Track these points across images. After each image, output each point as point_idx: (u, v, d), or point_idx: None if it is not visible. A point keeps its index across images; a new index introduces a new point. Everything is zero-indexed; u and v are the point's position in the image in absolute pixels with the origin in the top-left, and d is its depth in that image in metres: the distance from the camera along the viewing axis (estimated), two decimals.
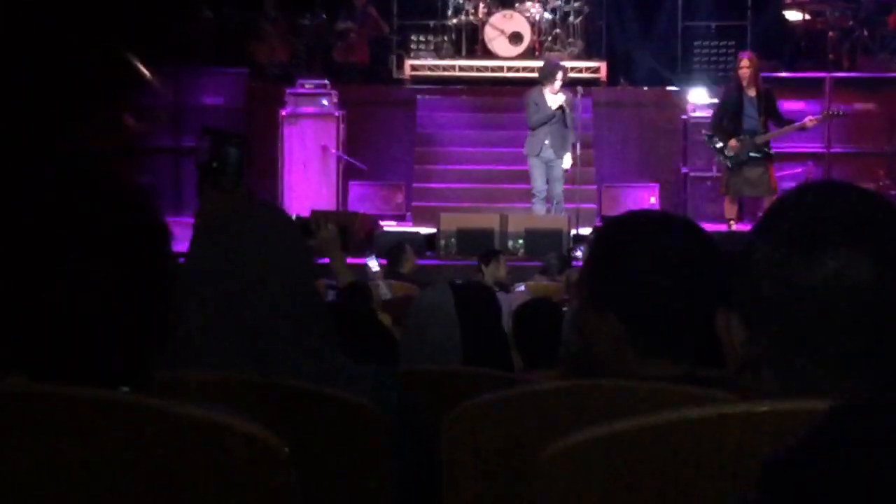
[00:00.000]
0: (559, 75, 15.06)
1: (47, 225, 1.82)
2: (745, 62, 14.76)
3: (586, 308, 2.51)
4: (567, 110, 14.91)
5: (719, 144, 14.67)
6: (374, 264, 10.54)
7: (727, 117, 14.70)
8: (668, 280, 2.40)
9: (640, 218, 2.55)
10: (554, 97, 14.95)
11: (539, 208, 15.03)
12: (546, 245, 13.52)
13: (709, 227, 14.88)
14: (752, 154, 14.52)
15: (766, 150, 14.65)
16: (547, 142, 14.93)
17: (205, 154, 3.41)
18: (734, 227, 14.59)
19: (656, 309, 2.41)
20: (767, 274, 1.71)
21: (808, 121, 14.80)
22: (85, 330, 1.83)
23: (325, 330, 2.70)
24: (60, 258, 1.81)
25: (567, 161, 14.96)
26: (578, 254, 12.99)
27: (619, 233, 2.52)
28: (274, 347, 2.59)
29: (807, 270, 1.67)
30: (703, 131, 15.50)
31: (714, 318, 2.41)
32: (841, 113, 15.29)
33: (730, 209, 14.93)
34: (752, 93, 14.65)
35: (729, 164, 14.69)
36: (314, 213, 4.67)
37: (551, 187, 15.07)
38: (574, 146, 15.06)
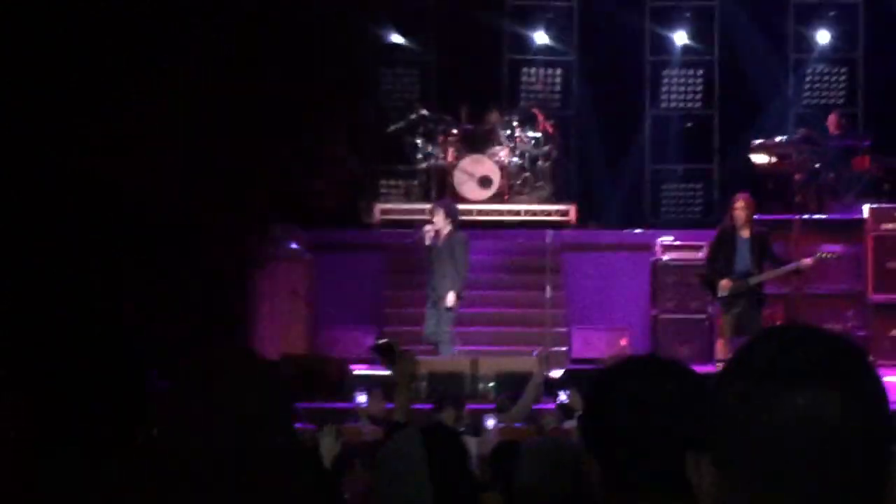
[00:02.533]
0: (435, 213, 15.23)
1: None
2: (739, 203, 14.82)
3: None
4: (439, 250, 14.95)
5: (710, 285, 14.76)
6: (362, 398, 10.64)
7: (720, 257, 14.78)
8: (640, 425, 2.41)
9: (626, 365, 2.58)
10: (434, 236, 15.09)
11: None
12: (518, 389, 13.46)
13: None
14: (744, 295, 14.56)
15: (759, 291, 14.71)
16: (434, 282, 14.97)
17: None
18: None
19: (631, 453, 2.42)
20: (736, 413, 1.71)
21: (803, 263, 14.89)
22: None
23: (300, 474, 2.67)
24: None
25: (449, 299, 14.94)
26: (563, 397, 12.93)
27: (601, 380, 2.55)
28: (246, 493, 2.56)
29: (775, 409, 1.69)
30: (696, 273, 15.58)
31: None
32: (834, 255, 15.43)
33: (721, 350, 14.91)
34: (745, 234, 14.72)
35: (718, 301, 14.75)
36: (378, 346, 4.63)
37: (437, 328, 15.05)
38: (458, 287, 15.05)
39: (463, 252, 15.10)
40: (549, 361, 14.78)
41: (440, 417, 11.56)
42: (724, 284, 14.57)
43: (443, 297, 14.90)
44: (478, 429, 10.86)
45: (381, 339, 4.98)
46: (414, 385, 4.70)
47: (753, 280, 14.57)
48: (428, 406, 11.96)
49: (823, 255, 15.29)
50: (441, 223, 15.10)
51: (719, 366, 14.49)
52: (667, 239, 17.47)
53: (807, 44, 20.80)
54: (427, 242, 15.07)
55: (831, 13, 20.67)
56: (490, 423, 10.92)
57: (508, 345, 16.09)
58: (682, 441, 2.41)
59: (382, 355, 4.73)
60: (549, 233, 15.91)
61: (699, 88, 20.99)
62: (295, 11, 14.00)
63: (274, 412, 2.65)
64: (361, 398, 11.14)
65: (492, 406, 12.75)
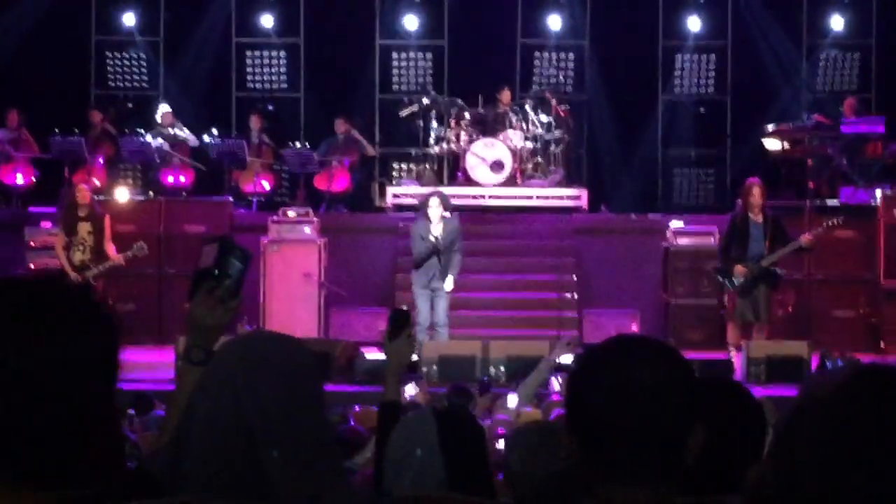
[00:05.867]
0: (432, 202, 15.23)
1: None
2: (756, 190, 14.76)
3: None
4: (443, 239, 15.00)
5: (725, 275, 14.72)
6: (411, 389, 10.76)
7: (734, 243, 14.76)
8: (620, 410, 2.38)
9: (610, 345, 2.53)
10: (435, 226, 15.10)
11: (421, 338, 14.91)
12: (528, 372, 13.45)
13: (691, 354, 14.93)
14: (758, 279, 14.54)
15: (773, 273, 14.67)
16: (435, 273, 15.01)
17: (208, 260, 3.33)
18: (734, 354, 14.42)
19: (609, 437, 2.40)
20: (815, 469, 1.77)
21: (804, 239, 14.76)
22: (28, 429, 1.84)
23: (333, 459, 2.67)
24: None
25: (449, 283, 15.04)
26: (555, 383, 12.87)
27: (584, 360, 2.52)
28: (281, 477, 2.57)
29: (859, 482, 1.74)
30: (712, 265, 15.49)
31: (687, 442, 2.40)
32: (839, 223, 15.30)
33: (732, 334, 14.84)
34: (758, 219, 14.70)
35: (735, 289, 14.68)
36: (398, 311, 4.66)
37: (436, 313, 15.12)
38: (454, 275, 15.15)
39: (460, 238, 15.17)
40: (571, 346, 14.73)
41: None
42: (739, 270, 14.55)
43: (443, 282, 14.97)
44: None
45: (400, 309, 4.89)
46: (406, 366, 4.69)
47: (764, 262, 14.55)
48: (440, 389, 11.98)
49: (828, 224, 15.13)
50: (437, 212, 15.11)
51: (732, 351, 14.51)
52: (679, 224, 17.45)
53: (820, 29, 20.77)
54: (439, 233, 15.09)
55: None
56: (511, 401, 10.82)
57: (520, 329, 16.10)
58: (664, 427, 2.41)
59: (394, 321, 4.68)
60: (562, 217, 15.86)
61: (712, 74, 20.98)
62: None
63: (307, 396, 2.66)
64: (411, 389, 11.18)
65: (504, 390, 12.75)
